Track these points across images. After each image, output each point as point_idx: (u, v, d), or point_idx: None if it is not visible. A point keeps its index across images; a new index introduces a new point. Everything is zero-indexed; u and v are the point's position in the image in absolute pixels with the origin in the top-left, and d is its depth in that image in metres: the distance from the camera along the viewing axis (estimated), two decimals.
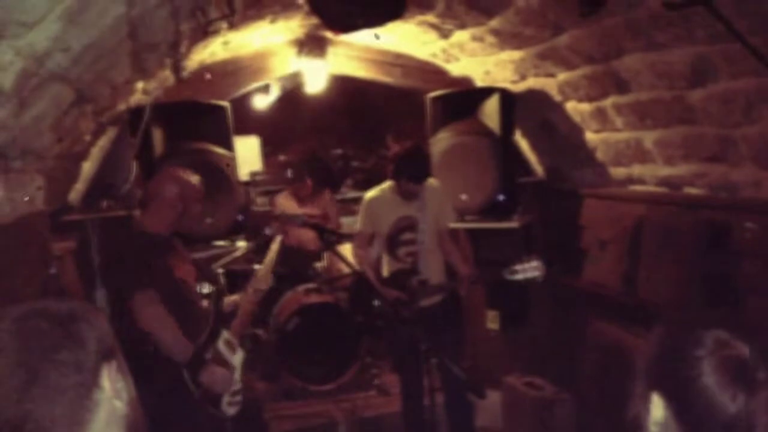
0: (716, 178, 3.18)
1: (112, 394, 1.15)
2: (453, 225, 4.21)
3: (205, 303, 3.19)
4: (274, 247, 3.44)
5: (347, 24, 2.50)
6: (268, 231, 3.83)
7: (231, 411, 2.95)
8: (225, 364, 2.97)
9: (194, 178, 3.14)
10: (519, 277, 3.44)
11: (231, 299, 3.29)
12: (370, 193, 3.97)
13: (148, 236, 2.99)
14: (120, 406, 1.16)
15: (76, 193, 3.92)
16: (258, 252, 5.38)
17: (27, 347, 1.08)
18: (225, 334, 3.03)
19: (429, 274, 3.80)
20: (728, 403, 1.05)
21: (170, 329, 2.79)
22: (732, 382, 1.05)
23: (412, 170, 3.72)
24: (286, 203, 5.61)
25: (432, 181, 3.94)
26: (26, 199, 2.64)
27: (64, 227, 3.66)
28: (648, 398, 1.16)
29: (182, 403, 2.81)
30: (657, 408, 1.15)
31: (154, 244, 2.98)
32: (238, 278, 4.60)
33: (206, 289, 3.33)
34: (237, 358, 3.04)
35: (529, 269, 3.42)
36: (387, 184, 3.92)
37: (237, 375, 3.00)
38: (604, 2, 2.26)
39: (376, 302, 3.83)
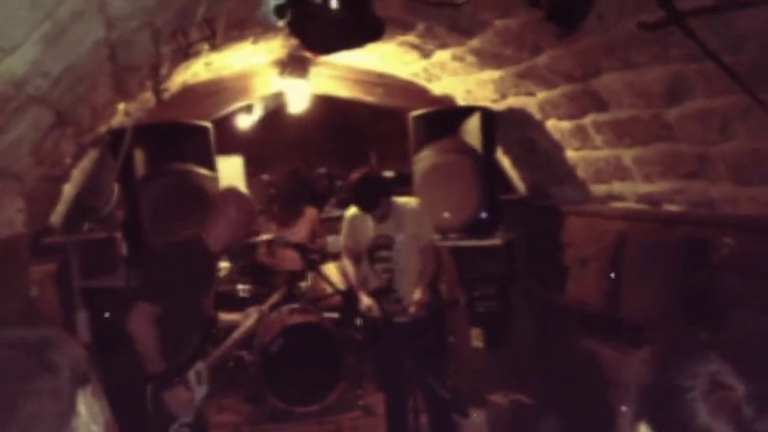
0: (694, 194, 3.22)
1: (89, 419, 1.13)
2: (437, 243, 4.25)
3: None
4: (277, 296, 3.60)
5: (327, 46, 2.52)
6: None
7: None
8: (189, 393, 3.00)
9: (252, 201, 3.33)
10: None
11: (231, 317, 3.35)
12: (350, 211, 4.08)
13: (204, 250, 3.08)
14: (97, 430, 1.15)
15: (57, 215, 3.89)
16: (241, 273, 5.38)
17: (0, 378, 1.07)
18: (199, 365, 3.06)
19: (404, 293, 3.86)
20: None
21: (148, 345, 2.87)
22: (726, 425, 1.02)
23: (357, 201, 3.97)
24: (268, 225, 5.61)
25: (410, 200, 4.05)
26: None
27: (45, 250, 3.63)
28: (635, 426, 1.13)
29: (136, 414, 2.85)
30: None
31: (205, 262, 3.11)
32: (222, 299, 4.58)
33: None
34: (200, 391, 3.05)
35: None
36: None
37: (193, 408, 3.01)
38: (578, 24, 2.29)
39: (358, 320, 3.92)
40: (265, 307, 3.55)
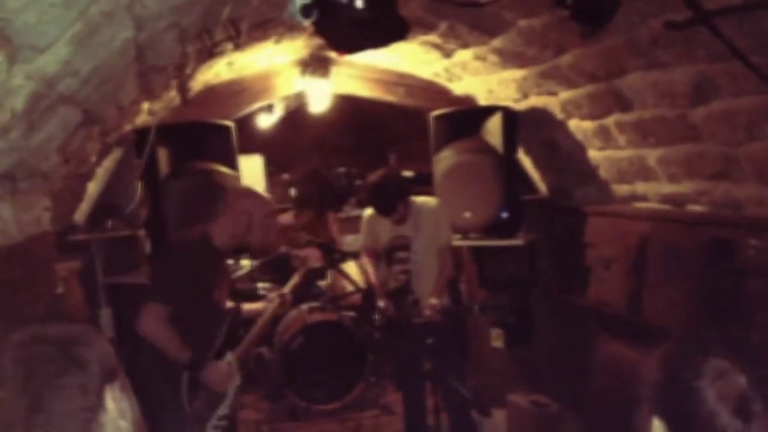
0: (720, 195, 3.19)
1: (117, 415, 1.15)
2: (457, 243, 4.25)
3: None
4: (297, 277, 3.55)
5: (352, 45, 2.53)
6: (283, 249, 4.03)
7: None
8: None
9: (268, 199, 3.32)
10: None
11: (253, 306, 3.35)
12: (368, 211, 4.06)
13: (208, 245, 3.07)
14: (125, 425, 1.17)
15: (81, 213, 3.94)
16: (263, 271, 5.40)
17: (30, 374, 1.09)
18: (229, 356, 3.06)
19: (421, 294, 3.85)
20: (728, 428, 1.09)
21: (165, 339, 2.87)
22: (731, 412, 1.09)
23: (374, 203, 3.92)
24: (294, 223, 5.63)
25: (429, 200, 4.02)
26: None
27: (69, 247, 3.68)
28: (650, 422, 1.19)
29: (172, 419, 2.86)
30: (658, 431, 1.18)
31: (210, 257, 3.08)
32: (243, 297, 4.61)
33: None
34: (232, 384, 3.06)
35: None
36: None
37: (228, 399, 3.03)
38: (605, 24, 2.28)
39: (376, 316, 3.93)
40: (287, 290, 3.51)
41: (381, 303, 3.91)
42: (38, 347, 1.12)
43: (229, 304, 3.28)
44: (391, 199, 3.82)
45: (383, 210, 3.86)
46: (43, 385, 1.08)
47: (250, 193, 3.24)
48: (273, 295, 3.47)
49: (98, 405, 1.12)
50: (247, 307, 3.37)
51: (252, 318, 3.33)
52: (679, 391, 1.14)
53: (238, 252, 3.44)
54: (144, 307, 2.87)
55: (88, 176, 3.65)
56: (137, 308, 2.88)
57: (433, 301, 3.79)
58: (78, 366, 1.12)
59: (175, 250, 3.17)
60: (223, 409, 3.00)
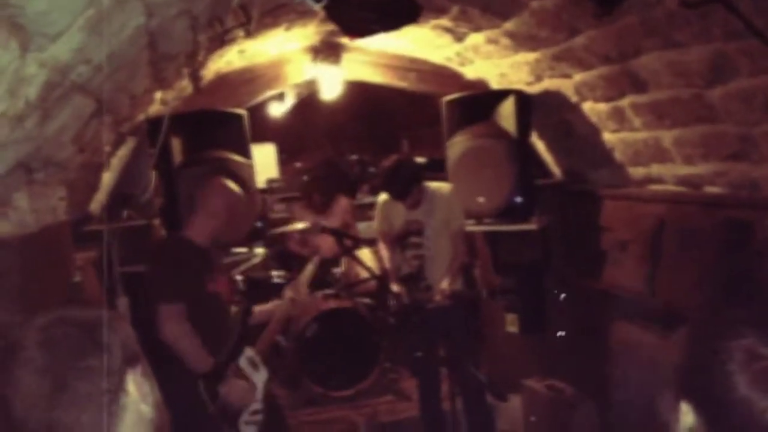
0: (737, 176, 3.15)
1: (139, 398, 1.16)
2: (471, 228, 4.24)
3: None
4: (311, 266, 3.51)
5: (364, 29, 2.51)
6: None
7: (248, 431, 2.93)
8: (246, 381, 2.98)
9: (239, 190, 3.22)
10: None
11: (264, 308, 3.31)
12: (383, 196, 4.07)
13: (188, 245, 3.05)
14: (146, 409, 1.18)
15: (97, 203, 3.96)
16: (276, 259, 5.42)
17: (53, 355, 1.10)
18: (248, 351, 3.03)
19: (434, 280, 3.85)
20: (765, 413, 1.03)
21: (189, 344, 2.81)
22: (766, 393, 1.03)
23: (388, 188, 3.95)
24: (302, 213, 5.63)
25: (442, 186, 4.02)
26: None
27: (85, 237, 3.70)
28: (677, 407, 1.15)
29: (196, 418, 2.79)
30: (687, 416, 1.13)
31: (193, 254, 3.03)
32: (257, 285, 4.63)
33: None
34: (259, 377, 3.03)
35: None
36: None
37: (258, 394, 2.99)
38: (618, 3, 2.25)
39: (391, 301, 3.94)
40: (303, 280, 3.45)
41: (394, 288, 3.92)
42: (62, 330, 1.13)
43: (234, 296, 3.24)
44: (406, 184, 3.83)
45: (397, 195, 3.88)
46: (66, 367, 1.09)
47: (217, 191, 3.16)
48: (287, 291, 3.40)
49: (120, 388, 1.12)
50: (259, 308, 3.29)
51: (264, 321, 3.28)
52: (707, 376, 1.09)
53: (221, 245, 3.39)
54: (161, 310, 2.81)
55: (102, 166, 3.67)
56: (153, 316, 2.81)
57: (444, 286, 3.79)
58: (101, 349, 1.12)
59: (157, 253, 3.19)
60: (255, 405, 2.95)
